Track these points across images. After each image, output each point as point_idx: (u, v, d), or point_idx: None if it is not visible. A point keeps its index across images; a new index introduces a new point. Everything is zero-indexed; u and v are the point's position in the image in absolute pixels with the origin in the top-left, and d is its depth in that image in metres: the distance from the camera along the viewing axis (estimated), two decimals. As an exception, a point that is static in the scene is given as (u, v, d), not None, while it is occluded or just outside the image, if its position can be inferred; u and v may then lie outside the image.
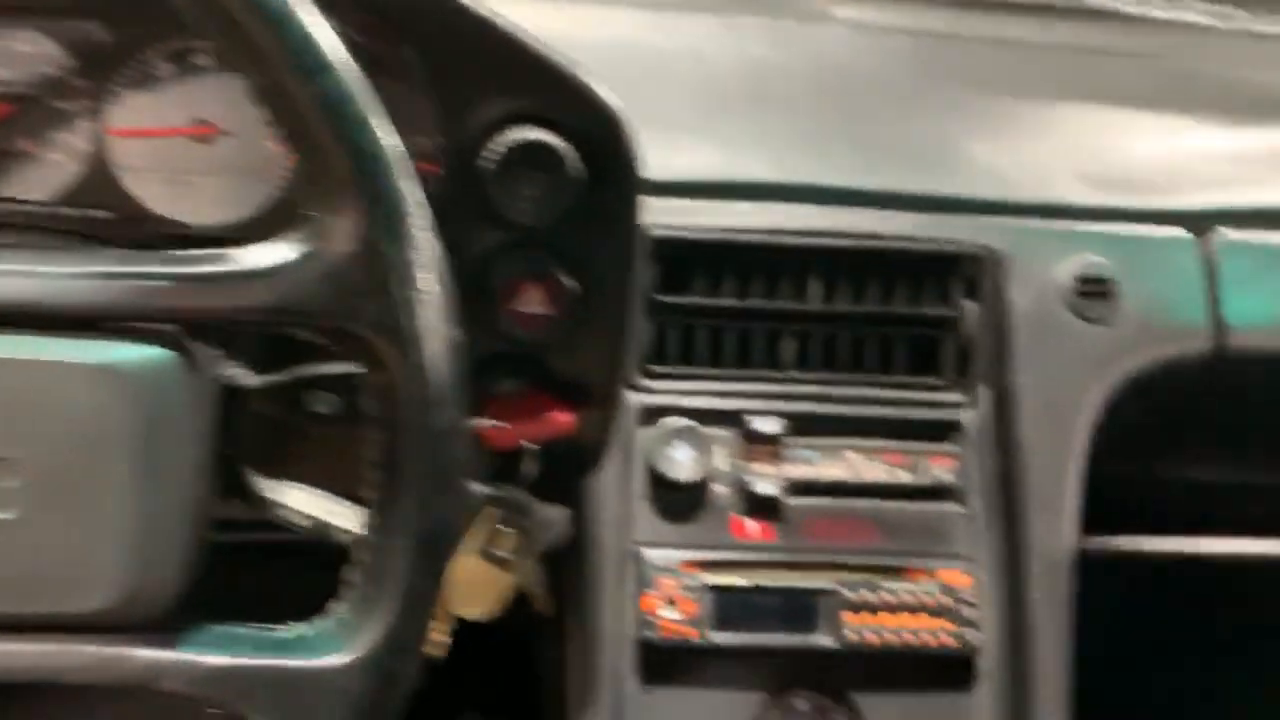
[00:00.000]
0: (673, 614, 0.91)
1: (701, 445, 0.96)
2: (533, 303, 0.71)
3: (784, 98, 1.07)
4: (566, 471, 0.81)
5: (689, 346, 0.98)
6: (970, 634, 0.93)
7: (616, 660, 0.90)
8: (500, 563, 0.78)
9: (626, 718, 0.90)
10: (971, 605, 0.93)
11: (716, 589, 0.92)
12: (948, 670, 0.94)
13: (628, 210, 0.70)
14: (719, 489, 0.96)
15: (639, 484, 0.96)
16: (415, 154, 0.69)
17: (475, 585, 0.78)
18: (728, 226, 0.98)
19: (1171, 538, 1.30)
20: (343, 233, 0.51)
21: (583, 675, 0.87)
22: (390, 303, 0.52)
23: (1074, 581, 0.93)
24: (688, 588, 0.92)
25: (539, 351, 0.76)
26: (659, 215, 0.97)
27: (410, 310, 0.52)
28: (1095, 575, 1.02)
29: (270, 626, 0.55)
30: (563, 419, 0.74)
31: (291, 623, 0.56)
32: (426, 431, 0.52)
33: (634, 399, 0.97)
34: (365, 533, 0.54)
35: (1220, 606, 1.63)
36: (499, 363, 0.78)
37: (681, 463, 0.95)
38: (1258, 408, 1.09)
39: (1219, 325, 1.00)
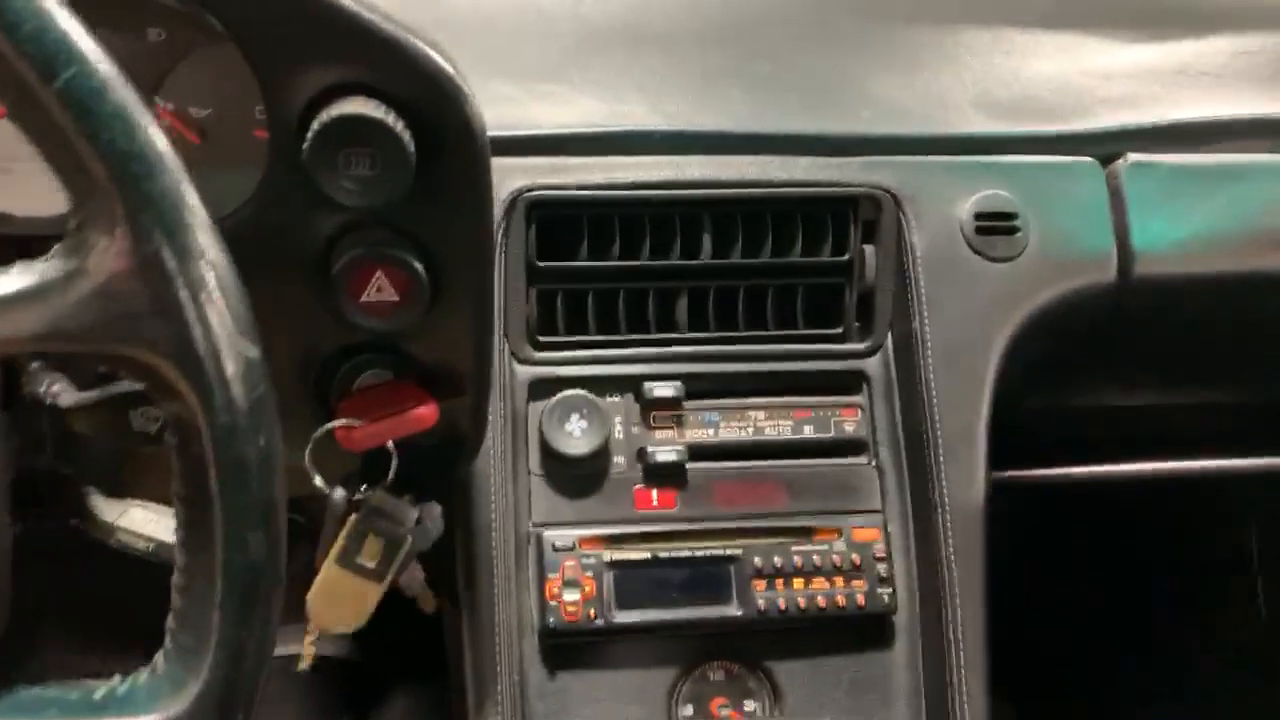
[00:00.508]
0: (574, 596, 0.87)
1: (597, 416, 0.91)
2: (378, 290, 0.65)
3: (665, 37, 1.01)
4: (439, 465, 0.76)
5: (579, 313, 0.93)
6: (884, 592, 0.90)
7: (519, 650, 0.86)
8: (365, 572, 0.73)
9: (532, 707, 0.86)
10: (884, 562, 0.91)
11: (617, 565, 0.88)
12: (864, 631, 0.91)
13: (475, 182, 0.64)
14: (618, 460, 0.92)
15: (534, 462, 0.91)
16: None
17: (338, 598, 0.73)
18: (610, 182, 0.92)
19: (1086, 466, 1.29)
20: (111, 246, 0.45)
21: (483, 668, 0.83)
22: (174, 322, 0.46)
23: (988, 530, 0.90)
24: (588, 566, 0.88)
25: (394, 341, 0.70)
26: (535, 175, 0.91)
27: (198, 329, 0.46)
28: (1013, 507, 1.00)
29: (83, 683, 0.50)
30: (422, 413, 0.68)
31: (112, 677, 0.50)
32: (231, 463, 0.47)
33: (523, 372, 0.92)
34: (177, 575, 0.49)
35: (1139, 530, 1.64)
36: (359, 354, 0.72)
37: (576, 436, 0.90)
38: (1167, 332, 1.06)
39: (1125, 253, 0.97)
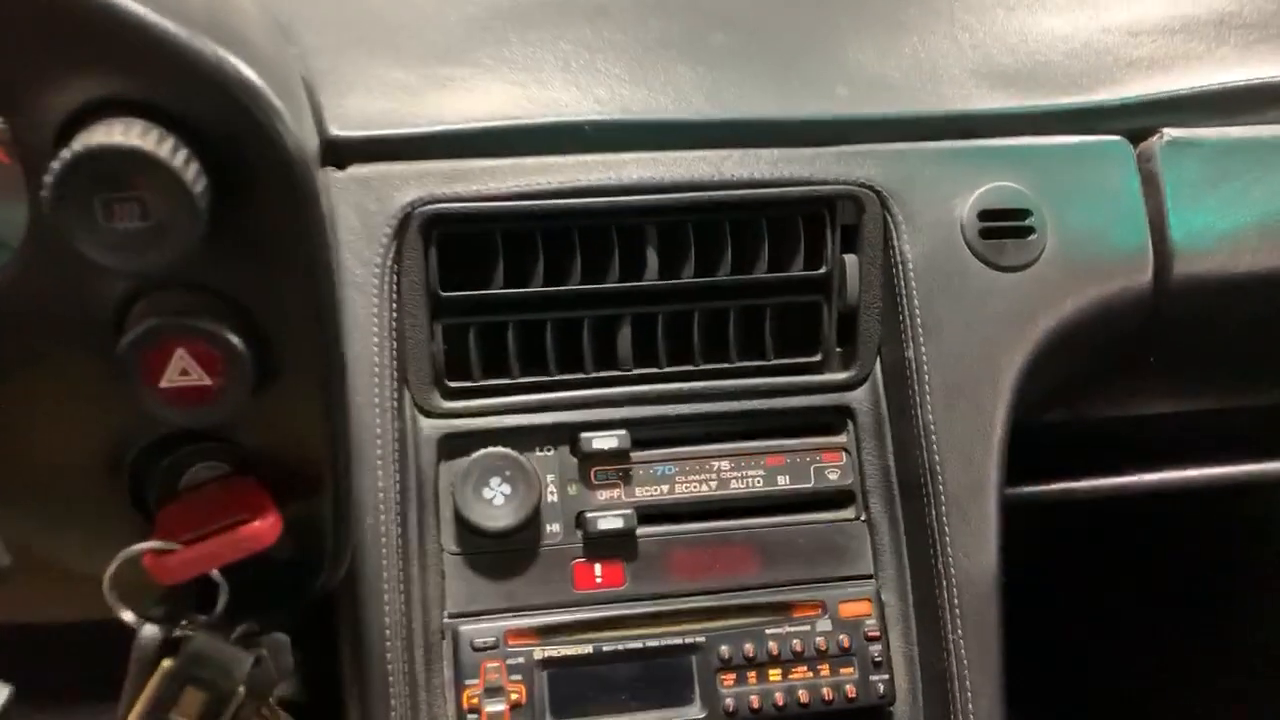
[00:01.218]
0: (498, 706, 0.71)
1: (524, 478, 0.74)
2: (182, 372, 0.48)
3: (596, 4, 0.83)
4: (291, 586, 0.59)
5: (497, 352, 0.76)
6: (879, 680, 0.74)
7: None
8: None
9: (452, 844, 0.70)
10: (877, 642, 0.74)
11: (552, 664, 0.72)
12: (854, 724, 0.75)
13: (299, 225, 0.47)
14: (552, 529, 0.75)
15: (447, 538, 0.74)
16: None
17: None
18: (529, 190, 0.74)
19: (1101, 479, 1.15)
20: None
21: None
22: None
23: (1003, 605, 0.74)
24: (516, 668, 0.72)
25: (218, 433, 0.53)
26: (434, 184, 0.74)
27: None
28: (1022, 523, 0.85)
29: None
30: (257, 530, 0.52)
31: None
32: None
33: (429, 427, 0.75)
34: None
35: (1158, 541, 1.49)
36: (184, 444, 0.55)
37: (499, 505, 0.74)
38: (1207, 339, 0.90)
39: (1162, 251, 0.80)
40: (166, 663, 0.55)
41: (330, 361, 0.51)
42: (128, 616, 0.54)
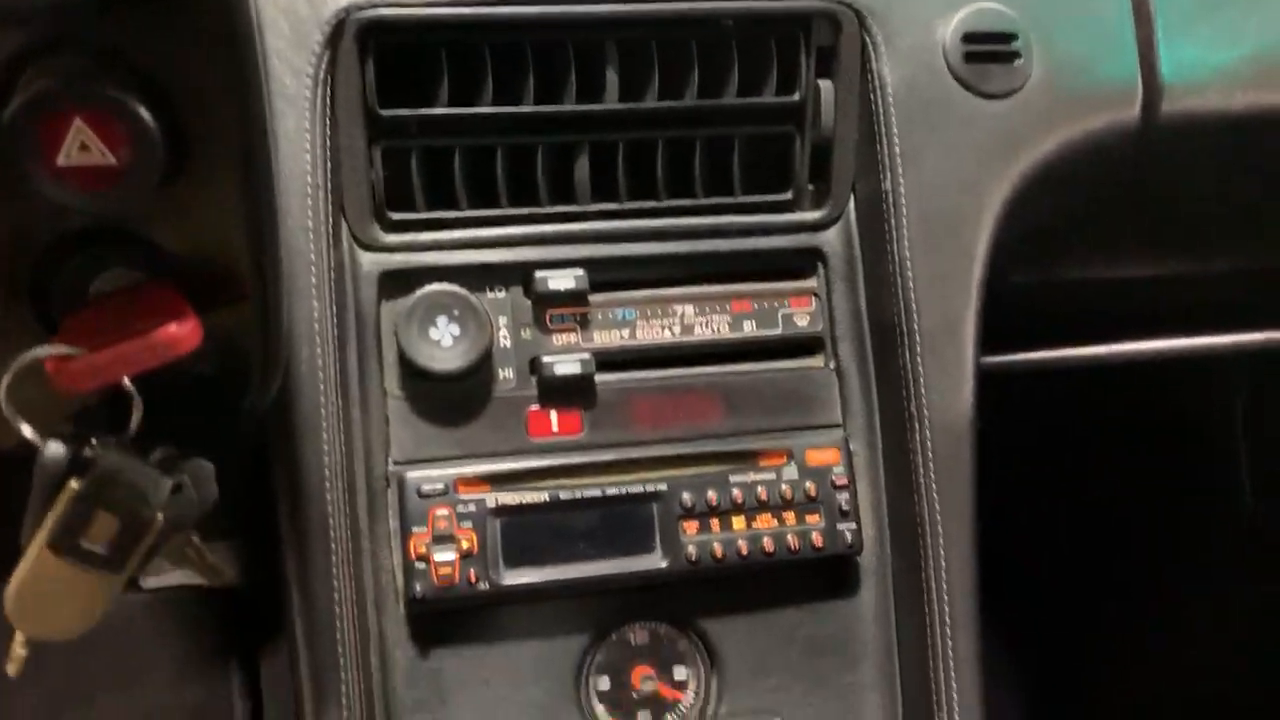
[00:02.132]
0: (448, 554, 0.67)
1: (474, 318, 0.69)
2: (81, 147, 0.42)
3: None
4: (217, 406, 0.54)
5: (442, 180, 0.70)
6: (846, 529, 0.71)
7: (378, 626, 0.66)
8: (93, 560, 0.52)
9: (399, 698, 0.66)
10: (845, 490, 0.71)
11: (505, 511, 0.68)
12: (821, 577, 0.72)
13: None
14: (505, 375, 0.71)
15: (391, 381, 0.69)
16: None
17: (54, 595, 0.53)
18: (477, -2, 0.68)
19: (1069, 348, 1.13)
20: None
21: (320, 658, 0.63)
22: None
23: (977, 446, 0.71)
24: (466, 515, 0.67)
25: (131, 226, 0.47)
26: (371, -12, 0.67)
27: None
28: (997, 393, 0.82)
29: None
30: (174, 334, 0.46)
31: None
32: None
33: (369, 262, 0.69)
34: None
35: (1121, 416, 1.49)
36: (91, 245, 0.49)
37: (447, 346, 0.69)
38: (1189, 186, 0.86)
39: (1151, 84, 0.75)
40: (74, 483, 0.49)
41: (251, 147, 0.45)
42: (27, 431, 0.48)
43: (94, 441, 0.49)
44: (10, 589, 0.53)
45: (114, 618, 1.54)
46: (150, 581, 1.40)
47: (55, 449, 0.49)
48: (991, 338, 0.80)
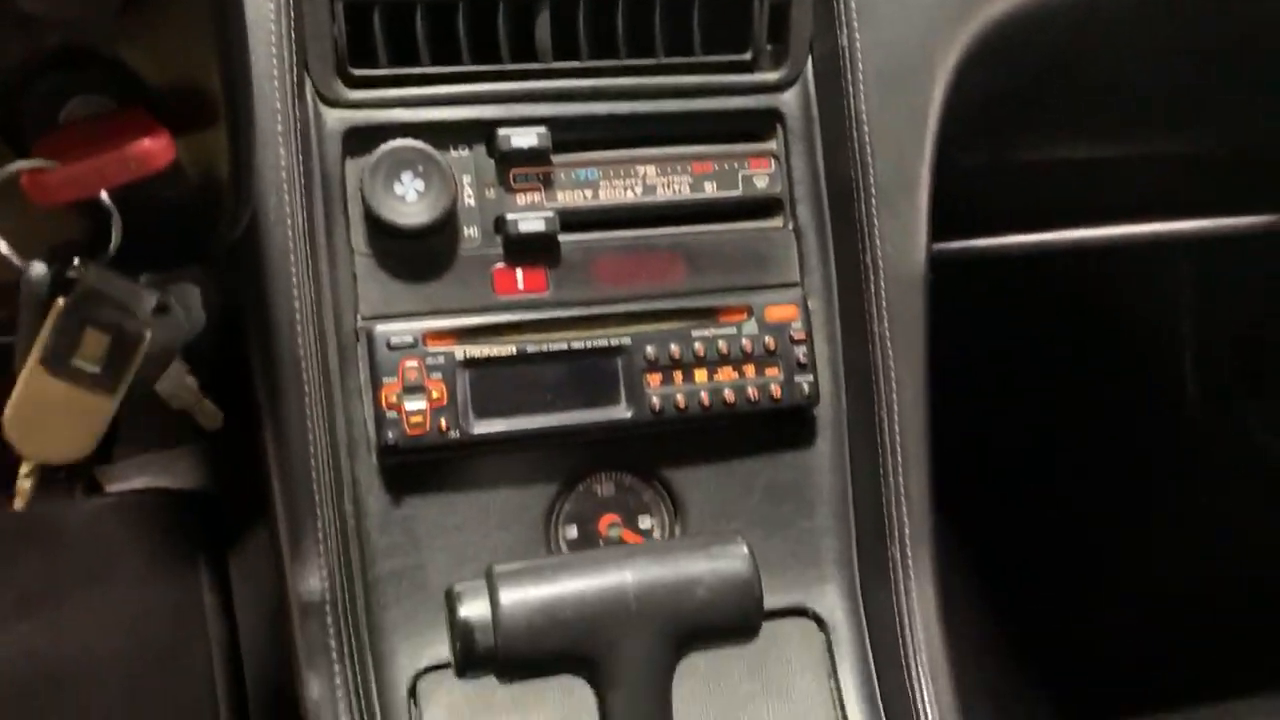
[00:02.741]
0: (418, 404, 0.69)
1: (438, 174, 0.70)
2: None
3: None
4: (191, 232, 0.55)
5: (404, 36, 0.70)
6: (803, 381, 0.74)
7: (351, 474, 0.68)
8: (85, 380, 0.53)
9: (373, 544, 0.69)
10: (803, 344, 0.74)
11: (474, 364, 0.70)
12: (780, 428, 0.75)
13: None
14: (470, 233, 0.72)
15: (358, 238, 0.70)
16: None
17: (50, 416, 0.54)
18: None
19: (1021, 235, 1.16)
20: None
21: (296, 499, 0.65)
22: None
23: (930, 305, 0.73)
24: (436, 367, 0.69)
25: (101, 48, 0.47)
26: None
27: None
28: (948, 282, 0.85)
29: None
30: (147, 148, 0.47)
31: None
32: None
33: (333, 118, 0.69)
34: None
35: (1069, 301, 1.53)
36: (59, 70, 0.49)
37: (411, 201, 0.70)
38: (1133, 55, 0.88)
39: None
40: (60, 301, 0.50)
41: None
42: (3, 248, 0.49)
43: (76, 262, 0.50)
44: (8, 410, 0.54)
45: (81, 521, 1.54)
46: (116, 485, 1.41)
47: (39, 268, 0.49)
48: (940, 226, 0.82)
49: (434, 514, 0.70)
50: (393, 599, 0.68)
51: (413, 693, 0.68)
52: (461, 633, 0.55)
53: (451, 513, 0.71)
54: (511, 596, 0.55)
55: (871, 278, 0.72)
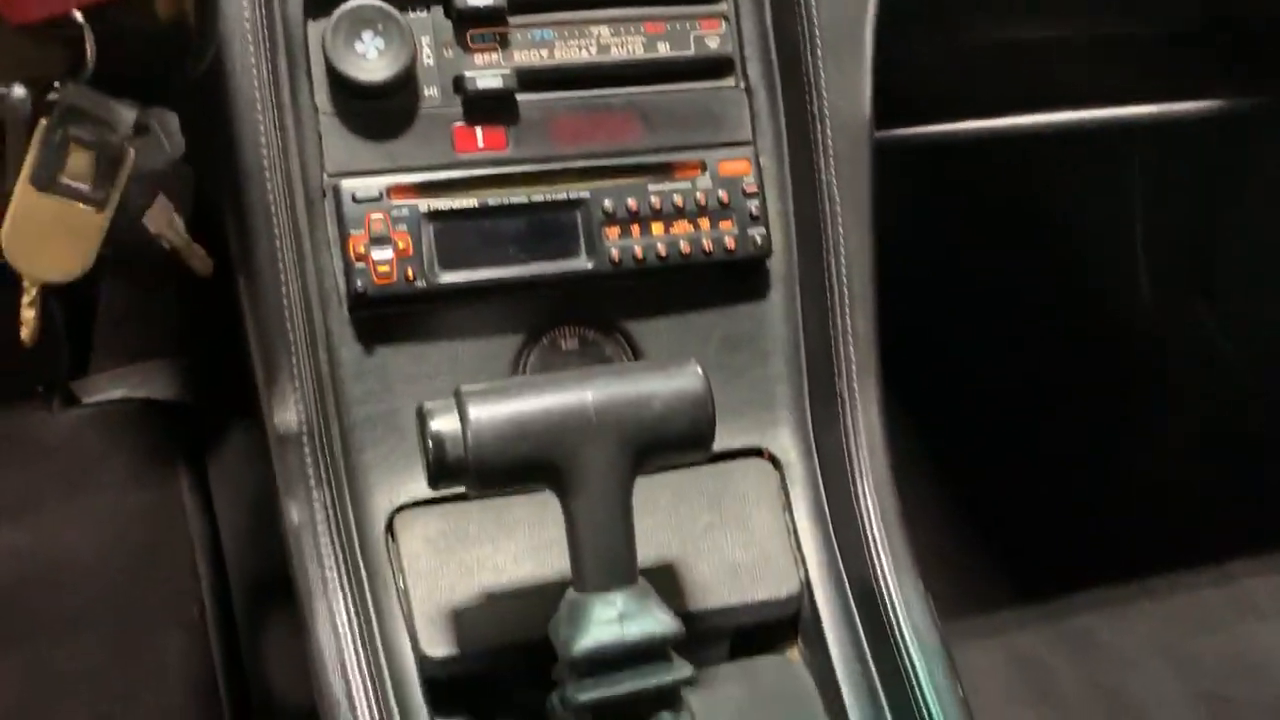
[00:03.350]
0: (385, 254, 0.71)
1: (396, 32, 0.72)
2: None
3: None
4: (161, 59, 0.57)
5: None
6: (756, 233, 0.77)
7: (324, 325, 0.71)
8: (76, 195, 0.55)
9: (348, 391, 0.71)
10: (755, 198, 0.77)
11: (438, 216, 0.72)
12: (734, 280, 0.78)
13: None
14: (430, 92, 0.74)
15: (321, 97, 0.72)
16: None
17: (45, 232, 0.56)
18: None
19: (968, 121, 1.19)
20: None
21: (271, 343, 0.68)
22: None
23: (876, 161, 0.77)
24: (401, 219, 0.72)
25: None
26: None
27: None
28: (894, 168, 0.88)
29: None
30: (116, -38, 0.49)
31: None
32: None
33: (294, -22, 0.71)
34: None
35: (1020, 193, 1.56)
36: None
37: (372, 59, 0.72)
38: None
39: None
40: (44, 121, 0.52)
41: None
42: (-18, 68, 0.51)
43: (56, 85, 0.52)
44: (5, 228, 0.56)
45: (59, 431, 1.56)
46: (94, 396, 1.43)
47: (19, 90, 0.52)
48: (890, 113, 0.85)
49: (405, 363, 0.73)
50: (369, 441, 0.72)
51: (390, 528, 0.71)
52: (434, 444, 0.58)
53: (422, 362, 0.74)
54: (479, 411, 0.59)
55: (819, 127, 0.75)
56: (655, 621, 0.58)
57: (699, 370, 0.62)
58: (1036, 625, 1.31)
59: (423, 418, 0.59)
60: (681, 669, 0.58)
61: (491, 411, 0.59)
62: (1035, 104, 1.23)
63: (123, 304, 1.42)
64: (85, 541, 1.26)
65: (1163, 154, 1.62)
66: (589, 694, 0.57)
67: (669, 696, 0.58)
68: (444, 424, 0.58)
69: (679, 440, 0.61)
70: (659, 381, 0.61)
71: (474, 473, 0.58)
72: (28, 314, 0.60)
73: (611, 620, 0.58)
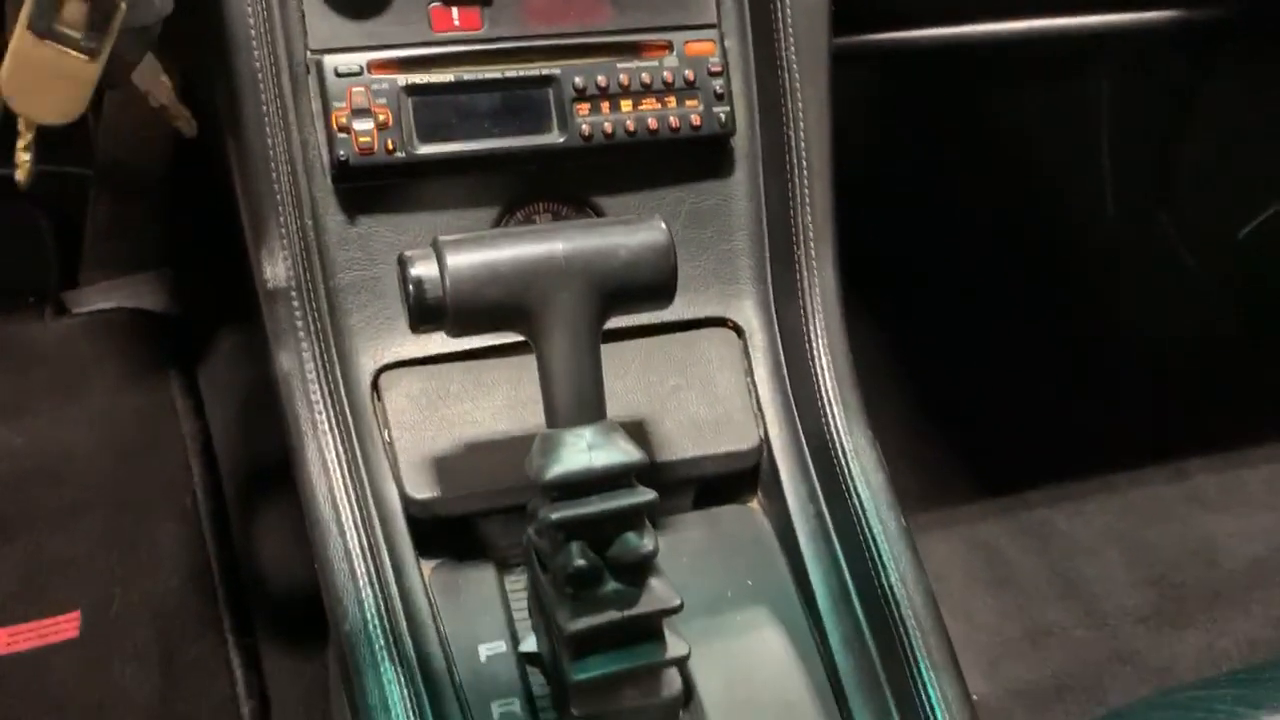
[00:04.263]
0: (366, 125, 0.75)
1: (374, -85, 0.75)
2: None
3: None
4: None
5: None
6: (721, 111, 0.81)
7: (309, 194, 0.75)
8: (71, 43, 0.58)
9: (332, 257, 0.75)
10: (719, 77, 0.81)
11: (416, 90, 0.76)
12: (700, 157, 0.82)
13: None
14: (407, -28, 0.78)
15: None
16: None
17: (42, 77, 0.59)
18: None
19: (933, 28, 1.22)
20: None
21: (260, 201, 0.72)
22: None
23: (832, 40, 0.80)
24: (381, 93, 0.75)
25: None
26: None
27: None
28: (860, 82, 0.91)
29: None
30: None
31: None
32: None
33: None
34: None
35: (989, 104, 1.59)
36: None
37: (349, -62, 0.75)
38: None
39: None
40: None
41: None
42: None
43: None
44: (4, 70, 0.59)
45: (52, 339, 1.59)
46: (85, 306, 1.46)
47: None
48: (851, 19, 0.88)
49: (386, 233, 0.77)
50: (354, 305, 0.76)
51: (375, 386, 0.75)
52: (414, 288, 0.63)
53: (402, 232, 0.78)
54: (456, 258, 0.63)
55: (779, 6, 0.79)
56: (620, 451, 0.63)
57: (663, 225, 0.66)
58: (997, 517, 1.37)
59: (403, 264, 0.63)
60: (645, 494, 0.63)
61: (468, 258, 0.63)
62: (998, 12, 1.26)
63: (110, 218, 1.45)
64: (80, 440, 1.31)
65: (1127, 78, 1.66)
66: (559, 514, 0.61)
67: (633, 519, 0.63)
68: (424, 269, 0.62)
69: (643, 288, 0.65)
70: (626, 234, 0.65)
71: (452, 315, 0.63)
72: (23, 156, 0.64)
73: (581, 450, 0.63)
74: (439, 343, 0.77)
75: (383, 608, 0.64)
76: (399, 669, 0.63)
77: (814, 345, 0.78)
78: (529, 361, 0.67)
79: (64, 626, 1.13)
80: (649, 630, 0.63)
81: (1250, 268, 1.65)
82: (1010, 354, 1.54)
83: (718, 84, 0.81)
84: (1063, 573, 1.33)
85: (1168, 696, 0.83)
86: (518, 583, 0.73)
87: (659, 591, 0.63)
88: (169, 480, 1.26)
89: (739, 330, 0.82)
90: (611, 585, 0.62)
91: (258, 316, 0.73)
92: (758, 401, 0.80)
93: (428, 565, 0.73)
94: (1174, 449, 1.43)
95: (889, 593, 0.69)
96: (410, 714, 0.61)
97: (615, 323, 0.67)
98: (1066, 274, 1.67)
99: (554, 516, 0.61)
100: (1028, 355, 1.53)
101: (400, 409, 0.75)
